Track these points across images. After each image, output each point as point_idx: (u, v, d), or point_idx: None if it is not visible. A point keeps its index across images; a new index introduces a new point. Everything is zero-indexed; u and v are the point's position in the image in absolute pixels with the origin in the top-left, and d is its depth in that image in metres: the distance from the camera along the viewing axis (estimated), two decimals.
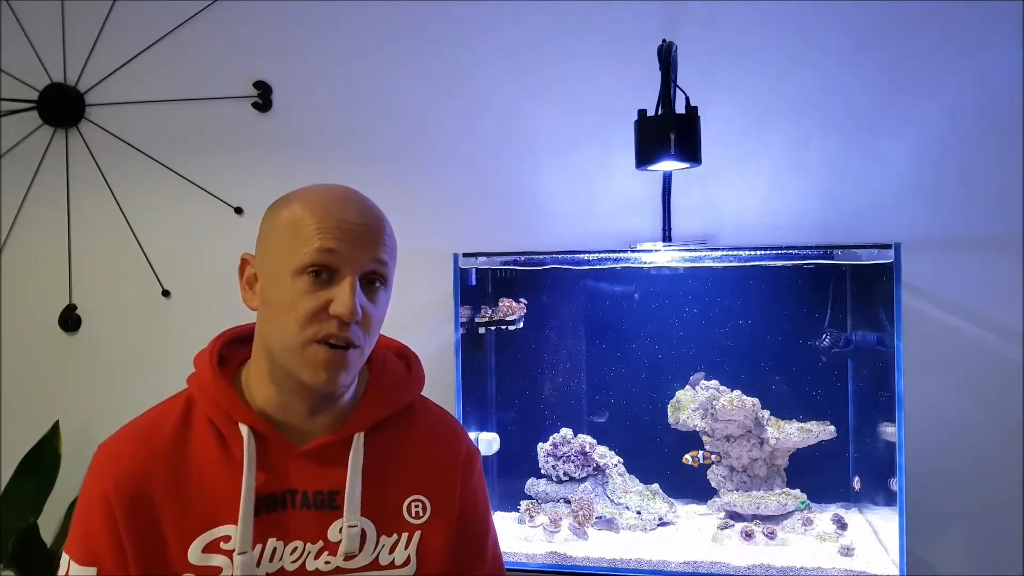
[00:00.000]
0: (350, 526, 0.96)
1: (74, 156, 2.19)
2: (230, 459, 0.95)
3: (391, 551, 0.98)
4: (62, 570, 0.94)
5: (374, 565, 0.97)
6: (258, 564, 0.93)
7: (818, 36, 1.84)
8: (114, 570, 0.92)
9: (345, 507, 0.96)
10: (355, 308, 0.90)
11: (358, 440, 0.99)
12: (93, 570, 0.93)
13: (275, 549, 0.94)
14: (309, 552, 0.95)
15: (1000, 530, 1.78)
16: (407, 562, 0.99)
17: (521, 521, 1.80)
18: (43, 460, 2.06)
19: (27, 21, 2.20)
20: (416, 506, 1.01)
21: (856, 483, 1.78)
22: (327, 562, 0.95)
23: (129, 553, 0.92)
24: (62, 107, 2.17)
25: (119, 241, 2.18)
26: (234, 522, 0.93)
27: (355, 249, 0.92)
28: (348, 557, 0.96)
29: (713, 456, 1.78)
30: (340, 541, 0.96)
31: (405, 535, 0.99)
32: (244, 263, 0.98)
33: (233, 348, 1.04)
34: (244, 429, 0.95)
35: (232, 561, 0.92)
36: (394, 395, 1.04)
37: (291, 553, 0.95)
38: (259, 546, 0.94)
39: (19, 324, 2.24)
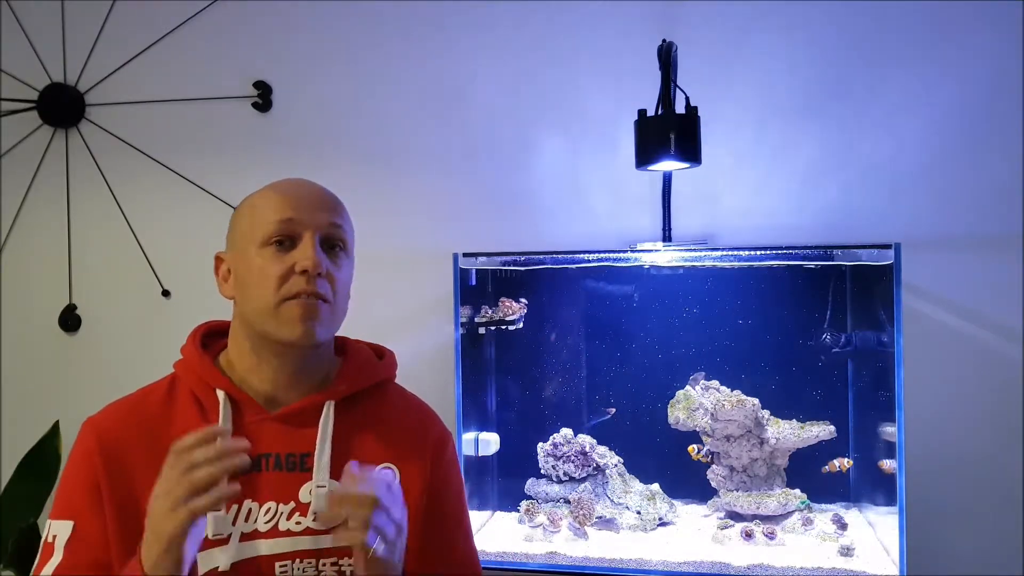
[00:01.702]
0: (319, 486, 1.00)
1: (74, 156, 2.19)
2: (208, 424, 1.00)
3: None
4: (45, 534, 0.97)
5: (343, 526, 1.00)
6: (234, 523, 0.98)
7: (818, 36, 1.84)
8: (91, 523, 0.96)
9: (315, 468, 1.01)
10: (317, 259, 0.98)
11: (328, 406, 1.04)
12: (70, 523, 0.97)
13: (250, 510, 0.99)
14: (282, 513, 1.00)
15: (1000, 530, 1.78)
16: None
17: (521, 521, 1.80)
18: (43, 460, 2.06)
19: (27, 21, 2.20)
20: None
21: (837, 466, 1.76)
22: (298, 523, 1.00)
23: (107, 508, 0.96)
24: (62, 107, 2.17)
25: (119, 241, 2.18)
26: None
27: (312, 213, 1.00)
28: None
29: (710, 457, 1.79)
30: (310, 502, 1.00)
31: None
32: (218, 261, 1.07)
33: (213, 338, 1.11)
34: (220, 394, 1.02)
35: (207, 519, 0.95)
36: (365, 372, 1.10)
37: (265, 514, 1.00)
38: (235, 507, 0.98)
39: (19, 324, 2.24)
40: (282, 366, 1.03)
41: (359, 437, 1.05)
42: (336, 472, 1.01)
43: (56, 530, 0.97)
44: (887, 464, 1.67)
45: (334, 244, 1.02)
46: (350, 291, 1.06)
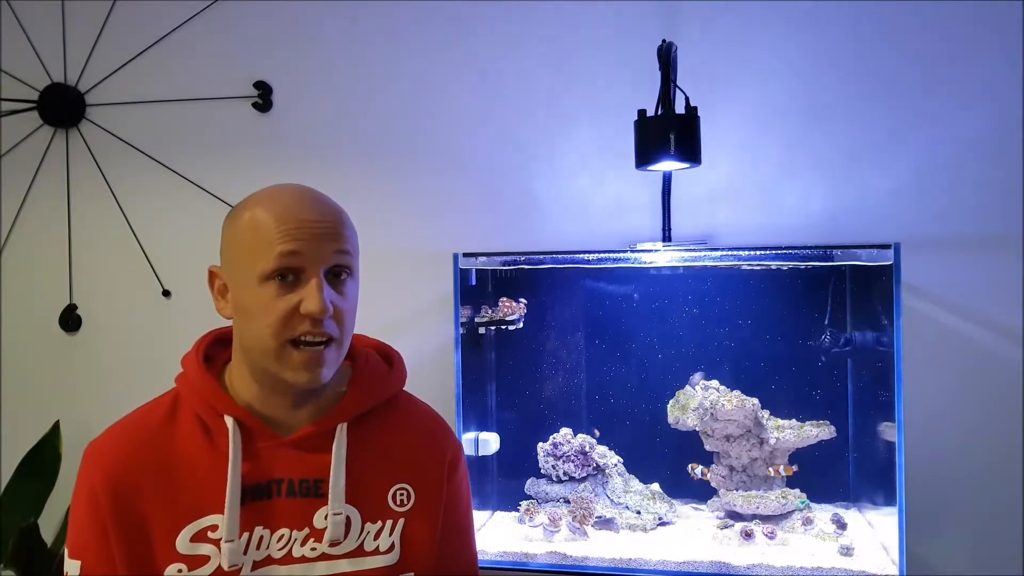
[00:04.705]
0: (335, 513, 0.98)
1: (74, 156, 2.20)
2: (216, 451, 0.98)
3: (376, 537, 1.01)
4: (65, 568, 0.98)
5: (359, 551, 1.00)
6: (245, 552, 0.96)
7: (818, 36, 1.84)
8: (98, 562, 0.95)
9: (330, 495, 0.99)
10: (325, 305, 0.92)
11: (341, 430, 1.01)
12: (78, 563, 0.96)
13: (262, 537, 0.97)
14: (296, 539, 0.98)
15: (1000, 530, 1.78)
16: (391, 548, 1.01)
17: (521, 521, 1.80)
18: (43, 460, 2.06)
19: (27, 21, 2.20)
20: (401, 494, 1.04)
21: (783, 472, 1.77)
22: (313, 548, 0.98)
23: (115, 545, 0.94)
24: (62, 107, 2.17)
25: (119, 241, 2.18)
26: (221, 512, 0.95)
27: (316, 246, 0.94)
28: (333, 543, 0.99)
29: (710, 474, 1.78)
30: (325, 528, 0.98)
31: (389, 522, 1.02)
32: (212, 275, 1.00)
33: (217, 348, 1.07)
34: (229, 421, 0.98)
35: (219, 549, 0.95)
36: (376, 389, 1.07)
37: (278, 541, 0.98)
38: (246, 534, 0.96)
39: (19, 324, 2.24)
40: (284, 395, 1.00)
41: (373, 458, 1.04)
42: (351, 497, 1.00)
43: (68, 568, 0.96)
44: (782, 469, 1.73)
45: (340, 272, 0.97)
46: (356, 308, 1.01)
